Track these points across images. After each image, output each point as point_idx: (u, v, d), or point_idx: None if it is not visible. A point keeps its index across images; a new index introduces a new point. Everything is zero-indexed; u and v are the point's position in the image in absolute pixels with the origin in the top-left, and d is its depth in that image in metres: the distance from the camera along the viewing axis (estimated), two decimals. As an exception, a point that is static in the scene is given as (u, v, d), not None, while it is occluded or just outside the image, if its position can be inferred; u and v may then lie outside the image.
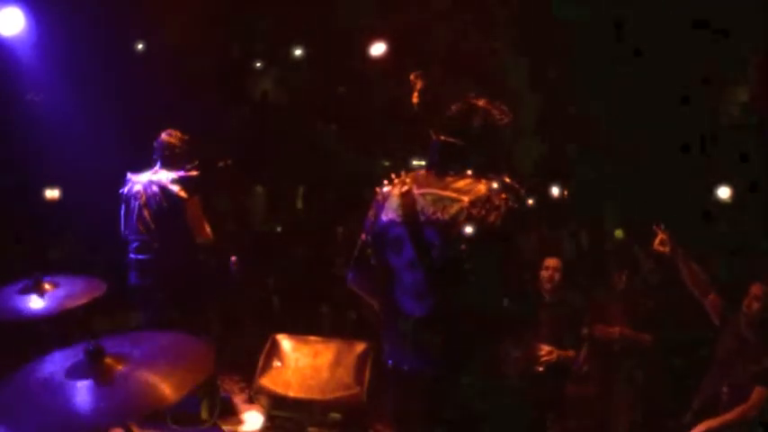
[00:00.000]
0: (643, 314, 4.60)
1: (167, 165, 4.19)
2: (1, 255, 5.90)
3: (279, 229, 8.16)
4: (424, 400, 2.25)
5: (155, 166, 4.24)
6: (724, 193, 7.17)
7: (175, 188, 4.08)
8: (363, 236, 2.45)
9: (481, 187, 2.22)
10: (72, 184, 6.61)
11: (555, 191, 7.82)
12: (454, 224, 2.19)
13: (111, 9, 6.02)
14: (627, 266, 4.90)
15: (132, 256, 4.18)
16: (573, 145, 7.78)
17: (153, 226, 4.10)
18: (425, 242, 2.22)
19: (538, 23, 6.79)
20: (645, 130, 6.87)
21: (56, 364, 1.85)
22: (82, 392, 1.72)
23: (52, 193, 6.81)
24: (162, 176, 4.15)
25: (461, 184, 2.26)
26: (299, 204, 8.66)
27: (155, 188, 4.11)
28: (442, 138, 2.35)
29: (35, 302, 2.83)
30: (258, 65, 9.11)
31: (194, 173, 4.16)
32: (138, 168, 4.31)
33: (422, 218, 2.24)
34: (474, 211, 2.18)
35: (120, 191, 4.26)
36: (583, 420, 4.38)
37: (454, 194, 2.24)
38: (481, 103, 2.37)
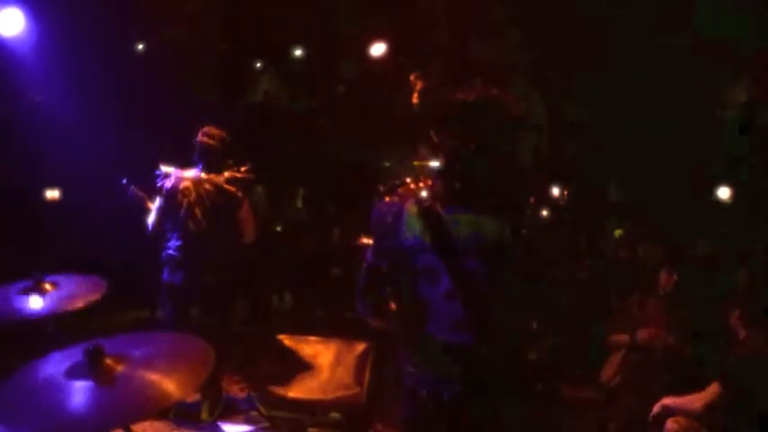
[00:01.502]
0: (680, 320, 4.39)
1: (211, 167, 4.10)
2: (1, 255, 5.89)
3: (279, 228, 8.15)
4: (458, 425, 2.01)
5: (196, 167, 4.11)
6: (724, 193, 7.17)
7: (231, 187, 4.06)
8: (372, 260, 2.11)
9: (515, 201, 1.99)
10: (72, 184, 6.60)
11: (555, 191, 7.82)
12: (498, 250, 1.92)
13: (111, 9, 6.02)
14: (677, 268, 4.53)
15: (173, 252, 4.03)
16: (573, 145, 7.79)
17: (204, 224, 4.00)
18: (465, 271, 1.94)
19: (538, 23, 6.79)
20: (645, 130, 6.87)
21: (56, 364, 1.84)
22: (82, 393, 1.71)
23: (52, 193, 6.80)
24: (214, 175, 4.08)
25: (492, 199, 1.98)
26: (299, 204, 8.66)
27: (208, 186, 4.04)
28: (450, 142, 1.99)
29: (35, 302, 2.82)
30: (258, 65, 9.11)
31: (250, 175, 4.14)
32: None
33: (457, 244, 1.94)
34: (519, 233, 1.93)
35: (162, 185, 4.05)
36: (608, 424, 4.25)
37: (489, 214, 1.95)
38: (494, 91, 1.98)
